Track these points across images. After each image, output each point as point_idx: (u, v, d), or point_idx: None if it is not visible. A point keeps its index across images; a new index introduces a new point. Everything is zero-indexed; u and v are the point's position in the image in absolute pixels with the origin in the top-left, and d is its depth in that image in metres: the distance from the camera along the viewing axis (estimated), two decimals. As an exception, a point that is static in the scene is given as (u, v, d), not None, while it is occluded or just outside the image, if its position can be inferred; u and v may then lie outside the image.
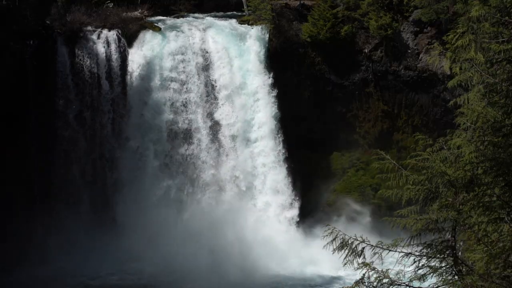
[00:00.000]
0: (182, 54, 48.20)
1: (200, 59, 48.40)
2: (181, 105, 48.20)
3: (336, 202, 49.22)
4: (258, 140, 48.96)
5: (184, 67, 48.23)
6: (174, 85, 48.10)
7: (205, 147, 48.50)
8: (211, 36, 48.75)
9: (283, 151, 48.96)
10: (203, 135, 48.46)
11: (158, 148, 48.24)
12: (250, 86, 48.76)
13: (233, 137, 48.74)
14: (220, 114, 48.46)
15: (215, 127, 48.59)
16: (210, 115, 48.48)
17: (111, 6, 50.53)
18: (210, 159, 48.64)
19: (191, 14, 53.03)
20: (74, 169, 47.33)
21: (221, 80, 48.34)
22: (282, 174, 49.01)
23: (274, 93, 48.84)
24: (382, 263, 16.13)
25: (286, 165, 49.09)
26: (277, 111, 48.84)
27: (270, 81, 48.79)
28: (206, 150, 48.55)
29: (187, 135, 48.40)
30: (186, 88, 48.24)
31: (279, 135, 48.88)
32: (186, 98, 48.23)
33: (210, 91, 48.46)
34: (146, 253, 45.17)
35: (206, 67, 48.49)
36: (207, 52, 48.52)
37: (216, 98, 48.44)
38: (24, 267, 43.60)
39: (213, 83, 48.45)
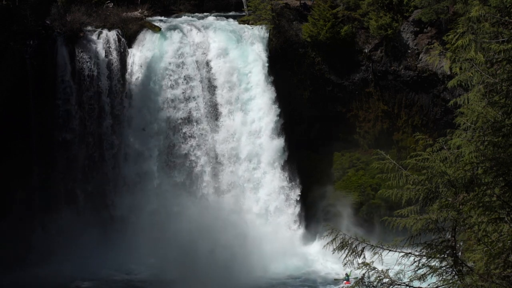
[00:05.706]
0: (182, 54, 48.19)
1: (200, 59, 48.39)
2: (181, 104, 48.16)
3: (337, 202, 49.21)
4: (259, 139, 48.92)
5: (184, 67, 48.21)
6: (174, 85, 48.08)
7: (205, 148, 48.49)
8: (211, 36, 48.72)
9: (284, 151, 48.90)
10: (203, 135, 48.47)
11: (159, 146, 48.21)
12: (250, 86, 48.71)
13: (234, 136, 48.79)
14: (220, 112, 48.55)
15: (215, 127, 48.63)
16: (210, 114, 48.55)
17: (111, 6, 50.53)
18: (209, 160, 48.67)
19: (191, 14, 53.06)
20: (74, 169, 47.31)
21: (221, 80, 48.29)
22: (283, 174, 48.94)
23: (274, 93, 48.80)
24: (382, 263, 16.14)
25: (287, 165, 49.05)
26: (277, 111, 48.78)
27: (270, 81, 48.75)
28: (206, 152, 48.55)
29: (188, 135, 48.37)
30: (186, 88, 48.20)
31: (279, 135, 48.82)
32: (185, 98, 48.19)
33: (210, 91, 48.43)
34: (146, 253, 45.17)
35: (206, 67, 48.47)
36: (207, 52, 48.49)
37: (216, 98, 48.41)
38: (24, 267, 43.61)
39: (213, 82, 48.41)
